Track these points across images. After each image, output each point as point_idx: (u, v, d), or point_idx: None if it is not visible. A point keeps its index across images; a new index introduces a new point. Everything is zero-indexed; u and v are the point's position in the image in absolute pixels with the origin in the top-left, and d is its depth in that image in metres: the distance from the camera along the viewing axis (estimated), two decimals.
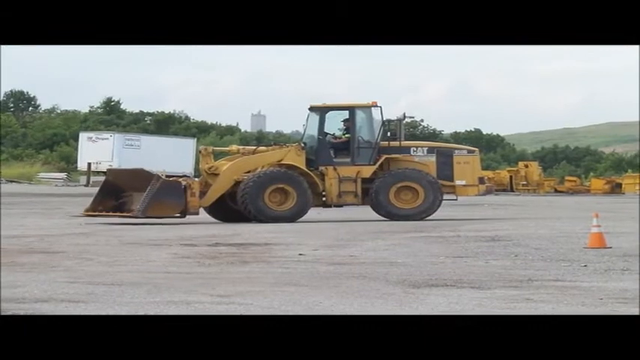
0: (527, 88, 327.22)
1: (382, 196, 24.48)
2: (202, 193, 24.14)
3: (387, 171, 24.91)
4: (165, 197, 23.52)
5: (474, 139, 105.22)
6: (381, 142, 24.97)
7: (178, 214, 23.99)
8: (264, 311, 8.89)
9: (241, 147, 26.80)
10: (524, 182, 68.08)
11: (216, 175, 24.52)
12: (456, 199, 25.77)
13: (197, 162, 25.81)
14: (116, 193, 24.38)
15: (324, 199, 24.79)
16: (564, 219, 25.17)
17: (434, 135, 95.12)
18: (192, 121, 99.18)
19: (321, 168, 24.78)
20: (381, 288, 10.57)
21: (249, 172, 24.54)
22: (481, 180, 26.13)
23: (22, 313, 8.58)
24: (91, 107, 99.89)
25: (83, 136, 68.78)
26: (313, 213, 24.92)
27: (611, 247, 15.15)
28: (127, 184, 24.39)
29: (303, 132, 25.70)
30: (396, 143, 25.13)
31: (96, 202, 24.65)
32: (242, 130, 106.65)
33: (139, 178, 24.33)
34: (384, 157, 24.94)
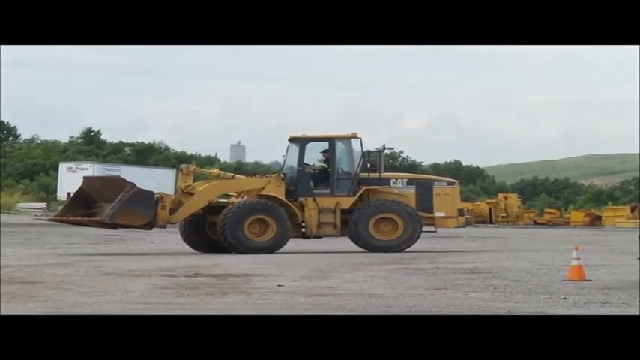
0: (506, 120, 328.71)
1: (361, 227, 24.48)
2: (173, 210, 24.12)
3: (367, 202, 24.93)
4: (136, 207, 23.43)
5: (454, 170, 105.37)
6: (361, 174, 25.02)
7: (145, 226, 23.91)
8: None
9: (222, 172, 26.87)
10: (504, 214, 68.20)
11: (192, 194, 24.51)
12: (435, 231, 25.80)
13: (176, 190, 25.67)
14: (88, 203, 24.27)
15: (303, 230, 24.79)
16: (544, 251, 25.23)
17: (413, 166, 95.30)
18: (171, 151, 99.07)
19: (301, 199, 24.79)
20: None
21: (223, 195, 24.70)
22: (460, 212, 26.18)
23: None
24: (71, 137, 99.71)
25: (63, 167, 68.69)
26: (292, 244, 24.90)
27: (590, 280, 15.19)
28: (101, 195, 24.26)
29: (282, 163, 25.74)
30: (375, 175, 25.17)
31: (66, 209, 24.65)
32: (221, 161, 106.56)
33: (114, 187, 24.23)
34: (363, 188, 24.96)
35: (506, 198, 71.25)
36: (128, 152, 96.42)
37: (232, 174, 27.02)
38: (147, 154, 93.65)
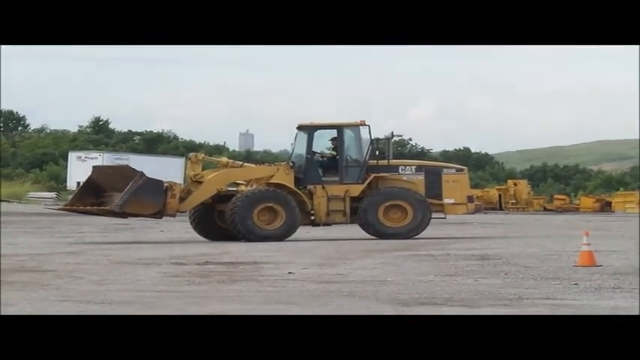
0: (516, 106, 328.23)
1: (371, 214, 24.47)
2: (183, 199, 24.16)
3: (376, 190, 24.92)
4: (146, 195, 23.47)
5: (463, 157, 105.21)
6: (370, 161, 25.01)
7: (155, 215, 23.96)
8: None
9: (231, 160, 26.88)
10: (514, 200, 68.14)
11: (201, 182, 24.54)
12: (444, 218, 25.78)
13: (186, 178, 25.65)
14: (97, 192, 24.32)
15: (312, 217, 24.78)
16: (554, 237, 25.21)
17: (422, 153, 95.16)
18: (180, 140, 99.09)
19: (310, 187, 24.78)
20: (371, 306, 10.56)
21: (232, 183, 24.73)
22: (470, 198, 26.14)
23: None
24: (80, 127, 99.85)
25: (72, 156, 68.79)
26: (302, 232, 24.92)
27: (601, 265, 15.17)
28: (110, 184, 24.30)
29: (291, 151, 25.74)
30: (384, 162, 25.15)
31: (76, 198, 24.73)
32: (230, 150, 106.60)
33: (123, 176, 24.27)
34: (372, 175, 24.95)
35: (515, 184, 71.18)
36: (137, 141, 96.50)
37: (241, 162, 27.03)
38: (156, 143, 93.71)
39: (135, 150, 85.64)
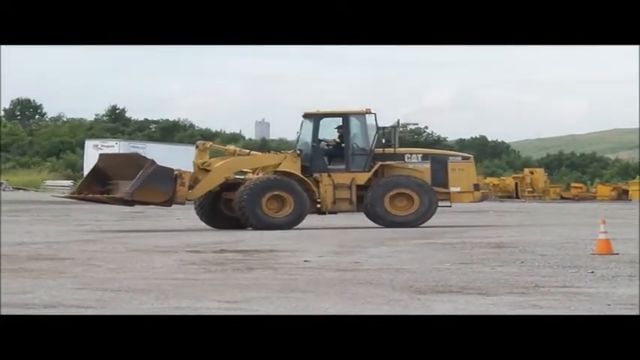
0: (531, 94, 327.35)
1: (377, 203, 24.41)
2: (191, 187, 24.17)
3: (382, 178, 24.88)
4: (156, 183, 23.45)
5: (479, 145, 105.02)
6: (376, 149, 24.99)
7: (165, 203, 23.95)
8: None
9: (238, 149, 26.86)
10: (530, 189, 68.05)
11: (208, 170, 24.52)
12: (449, 206, 25.67)
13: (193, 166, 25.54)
14: (103, 180, 24.27)
15: (318, 205, 24.74)
16: (570, 225, 25.17)
17: (438, 142, 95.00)
18: (196, 128, 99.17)
19: (316, 175, 24.75)
20: (387, 294, 10.57)
21: (240, 172, 24.73)
22: (476, 186, 25.98)
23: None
24: (97, 115, 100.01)
25: (89, 144, 68.84)
26: (311, 220, 24.87)
27: (618, 254, 15.14)
28: (116, 172, 24.24)
29: (296, 139, 25.70)
30: (390, 150, 25.12)
31: (82, 186, 24.71)
32: (246, 138, 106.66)
33: (130, 164, 24.25)
34: (378, 163, 24.91)
35: (532, 172, 71.08)
36: (153, 129, 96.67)
37: (248, 150, 27.02)
38: (172, 132, 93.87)
39: (151, 138, 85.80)
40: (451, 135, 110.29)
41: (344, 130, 25.00)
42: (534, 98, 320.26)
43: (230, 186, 24.52)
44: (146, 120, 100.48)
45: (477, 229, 23.80)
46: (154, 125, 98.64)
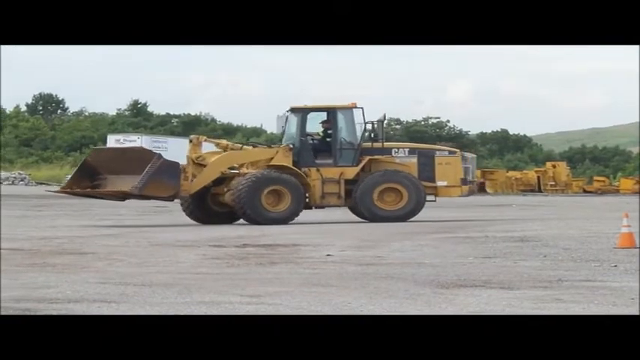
0: (553, 88, 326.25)
1: (366, 197, 24.37)
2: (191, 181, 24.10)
3: (369, 173, 24.85)
4: (164, 177, 23.38)
5: (501, 139, 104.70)
6: (364, 144, 24.93)
7: (170, 197, 23.90)
8: (293, 311, 8.91)
9: (230, 143, 26.76)
10: (552, 182, 67.85)
11: (203, 165, 24.41)
12: (434, 201, 25.62)
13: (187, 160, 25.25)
14: (92, 175, 24.09)
15: (306, 200, 24.67)
16: (593, 219, 25.09)
17: (460, 136, 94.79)
18: (218, 123, 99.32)
19: (304, 169, 24.71)
20: (410, 288, 10.57)
21: (234, 167, 24.58)
22: (464, 181, 25.81)
23: (51, 313, 8.64)
24: (119, 110, 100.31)
25: (111, 139, 69.12)
26: (338, 214, 24.81)
27: None
28: (106, 167, 24.04)
29: (281, 133, 25.60)
30: (378, 144, 25.08)
31: (71, 181, 24.61)
32: (268, 132, 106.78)
33: (124, 158, 24.15)
34: (367, 158, 24.89)
35: (554, 166, 70.87)
36: (175, 124, 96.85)
37: (240, 144, 26.94)
38: (193, 126, 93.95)
39: (173, 133, 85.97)
40: (473, 129, 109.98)
41: (332, 124, 24.94)
42: (555, 91, 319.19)
43: (218, 180, 24.43)
44: (168, 114, 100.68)
45: (499, 222, 23.76)
46: (176, 120, 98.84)
